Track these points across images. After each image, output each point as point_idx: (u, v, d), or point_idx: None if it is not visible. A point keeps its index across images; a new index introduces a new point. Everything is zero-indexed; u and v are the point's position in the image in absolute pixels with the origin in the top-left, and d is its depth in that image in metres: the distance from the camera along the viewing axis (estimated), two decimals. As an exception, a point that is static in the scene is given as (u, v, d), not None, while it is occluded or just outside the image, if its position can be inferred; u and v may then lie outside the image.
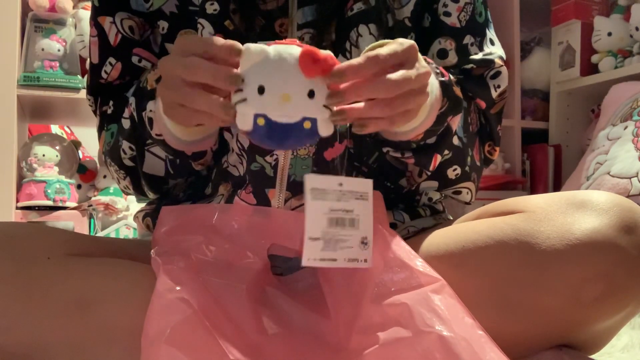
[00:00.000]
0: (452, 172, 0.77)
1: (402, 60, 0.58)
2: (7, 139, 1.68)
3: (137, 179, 0.79)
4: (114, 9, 0.79)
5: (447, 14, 0.79)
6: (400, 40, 0.59)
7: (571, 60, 2.19)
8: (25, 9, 1.78)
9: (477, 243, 0.65)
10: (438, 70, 0.69)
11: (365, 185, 0.61)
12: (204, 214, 0.70)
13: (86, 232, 1.80)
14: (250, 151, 0.72)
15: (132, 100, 0.74)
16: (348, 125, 0.71)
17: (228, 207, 0.72)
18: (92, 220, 1.85)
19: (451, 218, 0.83)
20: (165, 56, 0.60)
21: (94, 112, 0.84)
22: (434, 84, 0.65)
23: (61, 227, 1.68)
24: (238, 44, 0.56)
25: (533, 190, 2.23)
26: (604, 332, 0.67)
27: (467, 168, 0.78)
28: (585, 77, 2.13)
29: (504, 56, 0.82)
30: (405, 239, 0.68)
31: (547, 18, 2.29)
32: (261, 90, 0.54)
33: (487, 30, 0.82)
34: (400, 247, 0.63)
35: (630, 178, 1.72)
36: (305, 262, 0.58)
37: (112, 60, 0.79)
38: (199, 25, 0.73)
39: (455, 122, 0.73)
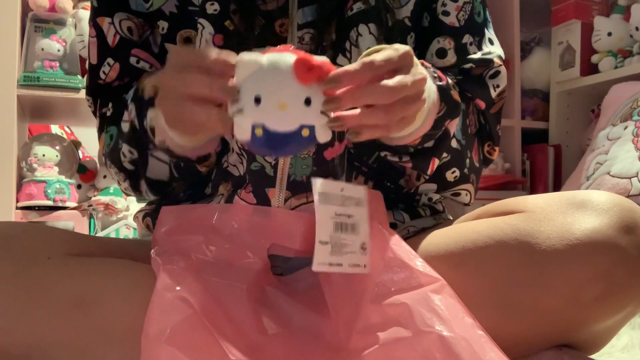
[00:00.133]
0: (451, 175, 0.77)
1: (397, 66, 0.58)
2: (7, 139, 1.68)
3: (136, 182, 0.79)
4: (113, 10, 0.79)
5: (446, 14, 0.79)
6: (396, 46, 0.59)
7: (571, 60, 2.19)
8: (25, 9, 1.78)
9: (477, 243, 0.65)
10: (436, 75, 0.69)
11: (361, 191, 0.62)
12: (204, 213, 0.70)
13: (86, 232, 1.81)
14: (250, 151, 0.72)
15: (131, 107, 0.74)
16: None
17: (228, 207, 0.72)
18: (92, 220, 1.85)
19: (451, 218, 0.83)
20: (162, 70, 0.60)
21: (94, 113, 0.84)
22: (431, 89, 0.65)
23: (61, 227, 1.68)
24: (232, 56, 0.56)
25: (533, 190, 2.23)
26: (604, 332, 0.67)
27: (465, 170, 0.78)
28: (585, 77, 2.13)
29: (503, 55, 0.81)
30: (405, 239, 0.68)
31: (547, 18, 2.29)
32: (257, 100, 0.54)
33: (486, 30, 0.82)
34: (400, 247, 0.63)
35: (630, 178, 1.72)
36: (315, 267, 0.58)
37: (110, 61, 0.80)
38: (198, 26, 0.73)
39: (453, 126, 0.73)
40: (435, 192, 0.80)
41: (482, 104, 0.79)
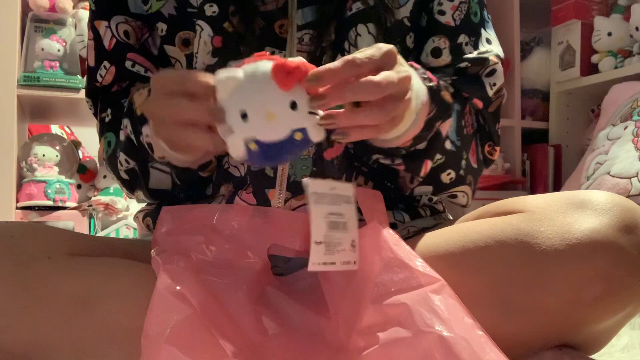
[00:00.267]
0: (446, 177, 0.77)
1: (380, 65, 0.57)
2: (7, 139, 1.68)
3: (132, 191, 0.80)
4: (110, 13, 0.79)
5: (442, 13, 0.79)
6: (379, 45, 0.59)
7: (571, 60, 2.19)
8: (25, 9, 1.78)
9: (477, 243, 0.65)
10: (426, 76, 0.69)
11: (349, 189, 0.62)
12: (204, 214, 0.70)
13: (86, 232, 1.81)
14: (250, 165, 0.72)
15: (126, 122, 0.74)
16: None
17: (228, 207, 0.72)
18: (92, 220, 1.85)
19: (451, 218, 0.83)
20: (149, 98, 0.60)
21: (94, 114, 0.85)
22: (420, 90, 0.65)
23: (61, 227, 1.68)
24: (209, 80, 0.55)
25: (533, 190, 2.23)
26: (604, 332, 0.67)
27: (461, 172, 0.77)
28: (585, 77, 2.13)
29: (502, 54, 0.81)
30: (405, 239, 0.68)
31: (547, 18, 2.29)
32: (244, 115, 0.54)
33: (482, 30, 0.81)
34: (400, 247, 0.63)
35: (630, 178, 1.72)
36: (311, 267, 0.58)
37: (106, 64, 0.80)
38: (197, 27, 0.73)
39: (446, 127, 0.72)
40: (431, 194, 0.80)
41: (479, 103, 0.79)
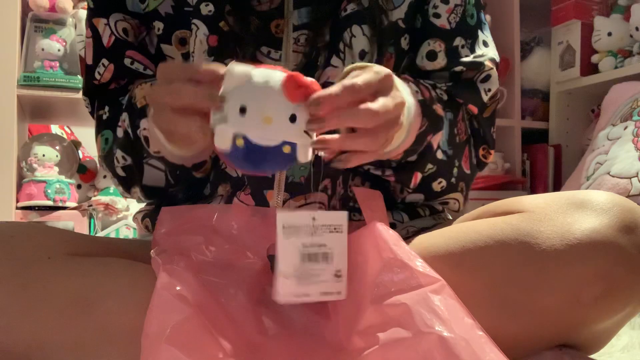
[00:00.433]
0: (437, 185, 0.77)
1: (377, 89, 0.58)
2: (7, 139, 1.68)
3: (128, 188, 0.80)
4: (109, 11, 0.79)
5: (437, 16, 0.79)
6: (377, 68, 0.59)
7: (571, 60, 2.19)
8: (25, 9, 1.78)
9: (477, 243, 0.65)
10: (417, 89, 0.70)
11: (339, 217, 0.61)
12: (203, 214, 0.70)
13: (86, 232, 1.81)
14: (227, 164, 0.72)
15: (124, 116, 0.74)
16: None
17: (228, 207, 0.72)
18: (92, 220, 1.86)
19: (451, 218, 0.83)
20: (153, 85, 0.60)
21: (91, 113, 0.85)
22: (411, 105, 0.65)
23: (61, 227, 1.68)
24: (221, 67, 0.56)
25: (533, 190, 2.23)
26: (604, 332, 0.67)
27: (453, 180, 0.77)
28: (585, 77, 2.13)
29: (497, 58, 0.81)
30: (405, 238, 0.68)
31: (547, 18, 2.29)
32: (242, 110, 0.54)
33: (479, 32, 0.81)
34: (400, 247, 0.63)
35: (630, 178, 1.72)
36: (280, 299, 0.59)
37: (105, 61, 0.80)
38: (193, 26, 0.73)
39: (437, 140, 0.73)
40: (422, 202, 0.80)
41: (474, 109, 0.79)
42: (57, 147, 1.91)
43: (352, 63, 0.66)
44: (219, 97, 0.54)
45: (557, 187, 2.22)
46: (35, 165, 1.81)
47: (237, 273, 0.65)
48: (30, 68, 1.76)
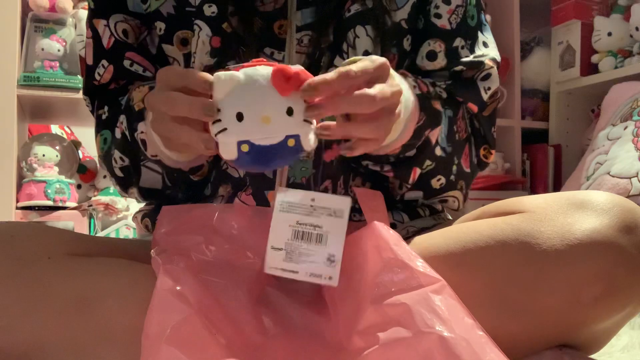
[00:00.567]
0: (437, 182, 0.77)
1: (373, 77, 0.58)
2: (7, 139, 1.68)
3: (125, 189, 0.80)
4: (109, 11, 0.79)
5: (438, 16, 0.79)
6: (373, 57, 0.59)
7: (571, 60, 2.19)
8: (25, 9, 1.78)
9: (478, 243, 0.65)
10: (415, 84, 0.70)
11: (342, 202, 0.61)
12: (203, 214, 0.70)
13: (86, 232, 1.81)
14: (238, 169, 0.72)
15: (122, 118, 0.74)
16: None
17: (228, 207, 0.72)
18: (92, 220, 1.85)
19: (451, 218, 0.83)
20: (153, 90, 0.60)
21: (91, 112, 0.85)
22: (409, 99, 0.65)
23: (61, 227, 1.68)
24: (208, 76, 0.56)
25: (533, 190, 2.23)
26: (604, 332, 0.67)
27: (452, 177, 0.77)
28: (585, 77, 2.13)
29: (498, 58, 0.81)
30: (405, 239, 0.68)
31: (547, 18, 2.29)
32: (240, 117, 0.54)
33: (479, 33, 0.81)
34: (400, 247, 0.63)
35: (630, 178, 1.72)
36: (267, 270, 0.61)
37: (104, 62, 0.80)
38: (195, 27, 0.73)
39: (435, 135, 0.73)
40: (422, 199, 0.80)
41: (474, 108, 0.79)
42: (57, 147, 1.91)
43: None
44: (214, 108, 0.54)
45: (557, 187, 2.22)
46: (35, 165, 1.81)
47: (237, 273, 0.65)
48: (30, 68, 1.76)
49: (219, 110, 0.55)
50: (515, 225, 0.64)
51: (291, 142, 0.55)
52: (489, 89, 0.79)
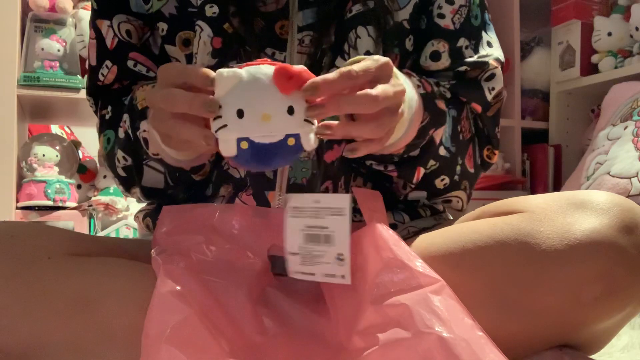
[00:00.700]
0: (440, 182, 0.77)
1: (375, 77, 0.58)
2: (7, 139, 1.68)
3: (128, 188, 0.80)
4: (112, 12, 0.79)
5: (441, 16, 0.79)
6: (375, 57, 0.59)
7: (571, 60, 2.19)
8: (25, 9, 1.78)
9: (477, 243, 0.65)
10: (419, 83, 0.69)
11: (342, 200, 0.61)
12: (204, 214, 0.70)
13: (86, 232, 1.80)
14: (237, 166, 0.72)
15: (125, 117, 0.74)
16: None
17: (228, 207, 0.72)
18: (92, 220, 1.85)
19: (451, 218, 0.83)
20: (153, 88, 0.60)
21: (95, 112, 0.85)
22: (413, 98, 0.65)
23: (61, 227, 1.68)
24: (210, 72, 0.56)
25: (533, 190, 2.23)
26: (604, 332, 0.67)
27: (456, 177, 0.77)
28: (585, 77, 2.13)
29: (502, 58, 0.81)
30: (405, 239, 0.68)
31: (547, 18, 2.29)
32: (240, 113, 0.54)
33: (483, 33, 0.81)
34: (399, 247, 0.63)
35: (630, 178, 1.72)
36: (291, 275, 0.62)
37: (108, 63, 0.80)
38: (197, 28, 0.73)
39: (439, 135, 0.72)
40: (425, 199, 0.80)
41: (478, 108, 0.79)
42: (57, 147, 1.91)
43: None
44: (215, 105, 0.54)
45: (557, 187, 2.22)
46: (35, 165, 1.81)
47: (238, 273, 0.65)
48: (30, 68, 1.76)
49: (220, 107, 0.55)
50: (514, 225, 0.64)
51: (291, 142, 0.55)
52: (493, 89, 0.79)
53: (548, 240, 0.61)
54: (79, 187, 1.97)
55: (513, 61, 2.17)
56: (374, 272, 0.61)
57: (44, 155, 1.86)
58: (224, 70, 0.55)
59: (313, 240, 0.61)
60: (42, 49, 1.77)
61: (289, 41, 0.73)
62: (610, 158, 1.82)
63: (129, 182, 0.79)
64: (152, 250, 0.66)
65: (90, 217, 1.85)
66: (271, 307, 0.65)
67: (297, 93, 0.55)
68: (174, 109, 0.56)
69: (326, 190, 0.74)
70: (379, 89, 0.56)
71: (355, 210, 0.73)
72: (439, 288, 0.59)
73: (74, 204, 1.84)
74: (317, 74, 0.56)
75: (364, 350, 0.59)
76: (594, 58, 2.12)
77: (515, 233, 0.63)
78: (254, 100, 0.54)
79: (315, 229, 0.61)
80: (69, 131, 2.26)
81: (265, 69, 0.55)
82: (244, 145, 0.55)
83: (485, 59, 0.78)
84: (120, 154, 0.76)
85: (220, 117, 0.55)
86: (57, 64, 1.78)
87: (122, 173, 0.78)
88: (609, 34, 2.06)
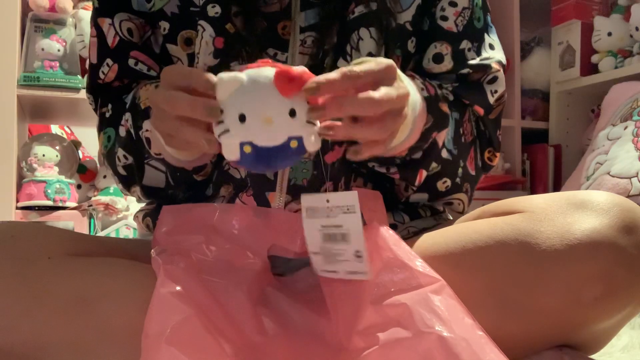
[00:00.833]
0: (442, 185, 0.77)
1: (378, 79, 0.57)
2: (7, 139, 1.68)
3: (128, 187, 0.80)
4: (114, 10, 0.79)
5: (444, 19, 0.79)
6: (379, 59, 0.59)
7: (571, 60, 2.19)
8: (25, 9, 1.78)
9: (477, 243, 0.65)
10: (423, 86, 0.69)
11: (350, 198, 0.61)
12: (204, 213, 0.70)
13: (86, 232, 1.80)
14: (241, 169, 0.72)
15: (127, 116, 0.74)
16: None
17: (229, 207, 0.72)
18: (92, 220, 1.85)
19: (451, 218, 0.83)
20: (156, 88, 0.60)
21: (95, 110, 0.85)
22: (417, 101, 0.65)
23: (61, 227, 1.68)
24: (212, 77, 0.55)
25: (533, 190, 2.23)
26: (604, 332, 0.67)
27: (457, 180, 0.77)
28: (585, 77, 2.13)
29: (504, 60, 0.81)
30: (405, 239, 0.68)
31: (547, 18, 2.29)
32: (242, 118, 0.54)
33: (486, 35, 0.81)
34: (400, 247, 0.63)
35: (630, 178, 1.72)
36: (319, 273, 0.63)
37: (109, 61, 0.80)
38: (199, 27, 0.73)
39: (442, 137, 0.72)
40: (427, 201, 0.80)
41: (480, 110, 0.79)
42: (57, 147, 1.91)
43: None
44: (217, 110, 0.54)
45: (557, 187, 2.22)
46: (35, 165, 1.81)
47: (238, 273, 0.65)
48: (30, 68, 1.76)
49: (221, 111, 0.55)
50: (514, 225, 0.64)
51: (294, 144, 0.55)
52: (496, 92, 0.79)
53: (548, 240, 0.61)
54: (79, 187, 1.97)
55: (513, 61, 2.17)
56: (374, 272, 0.61)
57: (44, 155, 1.86)
58: (224, 75, 0.55)
59: (331, 239, 0.61)
60: (42, 49, 1.77)
61: (291, 42, 0.73)
62: (610, 158, 1.82)
63: (129, 180, 0.79)
64: (152, 250, 0.66)
65: (90, 217, 1.85)
66: (271, 307, 0.65)
67: (298, 95, 0.55)
68: (176, 111, 0.56)
69: (327, 191, 0.74)
70: (382, 92, 0.56)
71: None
72: (439, 288, 0.59)
73: (74, 204, 1.84)
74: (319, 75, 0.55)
75: (364, 350, 0.59)
76: (594, 58, 2.12)
77: (515, 233, 0.63)
78: (255, 104, 0.54)
79: (331, 228, 0.61)
80: (69, 131, 2.26)
81: (265, 71, 0.55)
82: (247, 149, 0.54)
83: (488, 62, 0.78)
84: (120, 152, 0.76)
85: (222, 121, 0.55)
86: (57, 64, 1.78)
87: (122, 171, 0.78)
88: (609, 34, 2.06)
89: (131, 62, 0.79)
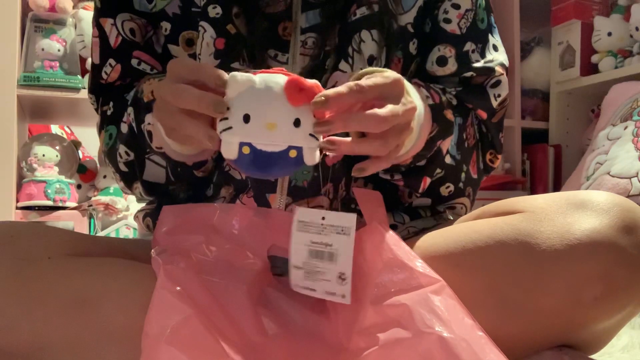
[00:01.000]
0: (445, 190, 0.77)
1: (386, 93, 0.58)
2: (7, 139, 1.68)
3: (130, 184, 0.80)
4: (115, 10, 0.79)
5: (447, 21, 0.79)
6: (386, 73, 0.59)
7: (571, 60, 2.19)
8: (25, 9, 1.78)
9: (477, 243, 0.65)
10: (428, 94, 0.69)
11: (348, 219, 0.61)
12: (204, 213, 0.70)
13: (86, 232, 1.80)
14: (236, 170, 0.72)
15: (130, 110, 0.74)
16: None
17: (229, 207, 0.72)
18: (92, 220, 1.85)
19: (451, 218, 0.83)
20: (162, 80, 0.60)
21: (96, 110, 0.85)
22: (422, 112, 0.65)
23: (61, 227, 1.68)
24: (224, 74, 0.56)
25: (533, 190, 2.23)
26: (604, 332, 0.67)
27: (460, 184, 0.77)
28: (585, 77, 2.13)
29: (507, 63, 0.81)
30: (405, 239, 0.68)
31: (547, 18, 2.29)
32: (247, 118, 0.54)
33: (490, 36, 0.81)
34: (400, 247, 0.63)
35: (630, 178, 1.72)
36: (293, 287, 0.62)
37: (112, 62, 0.80)
38: (200, 28, 0.73)
39: (446, 145, 0.73)
40: (429, 206, 0.80)
41: (483, 114, 0.79)
42: (57, 147, 1.91)
43: (361, 68, 0.66)
44: (224, 106, 0.54)
45: (557, 187, 2.22)
46: (35, 165, 1.81)
47: (238, 273, 0.65)
48: (30, 68, 1.76)
49: (228, 108, 0.55)
50: (514, 225, 0.64)
51: (293, 153, 0.55)
52: (499, 96, 0.79)
53: (548, 240, 0.61)
54: (79, 187, 1.97)
55: (513, 61, 2.17)
56: (374, 272, 0.61)
57: (44, 155, 1.86)
58: (237, 74, 0.55)
59: (317, 256, 0.61)
60: (42, 49, 1.77)
61: (291, 43, 0.73)
62: (610, 158, 1.82)
63: (130, 177, 0.78)
64: (152, 250, 0.66)
65: (90, 217, 1.85)
66: (271, 307, 0.65)
67: (306, 106, 0.55)
68: (182, 104, 0.56)
69: (327, 193, 0.74)
70: (388, 109, 0.57)
71: (356, 212, 0.73)
72: (439, 288, 0.59)
73: (74, 204, 1.84)
74: (320, 76, 0.56)
75: (364, 350, 0.59)
76: (594, 58, 2.12)
77: (515, 233, 0.63)
78: (261, 107, 0.54)
79: (320, 245, 0.61)
80: (69, 131, 2.26)
81: (278, 78, 0.55)
82: (246, 150, 0.55)
83: (491, 65, 0.78)
84: (122, 148, 0.76)
85: (226, 118, 0.55)
86: (57, 64, 1.78)
87: (124, 168, 0.78)
88: (609, 34, 2.06)
89: (134, 62, 0.79)
